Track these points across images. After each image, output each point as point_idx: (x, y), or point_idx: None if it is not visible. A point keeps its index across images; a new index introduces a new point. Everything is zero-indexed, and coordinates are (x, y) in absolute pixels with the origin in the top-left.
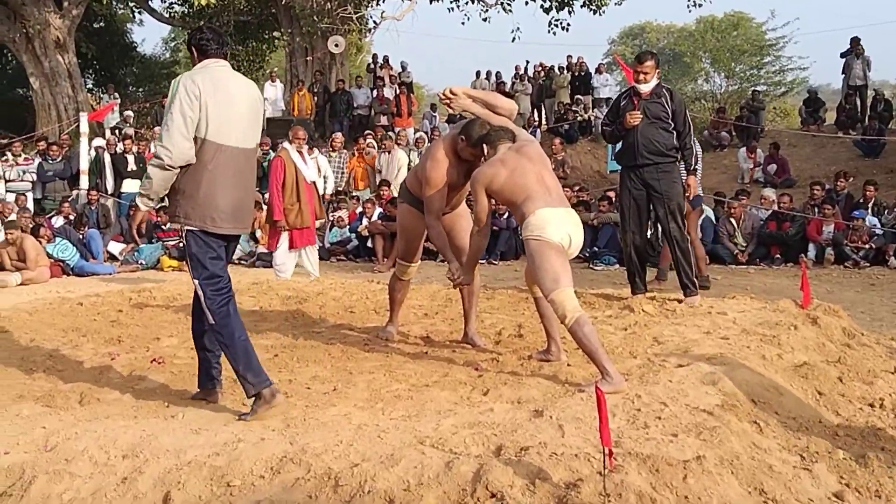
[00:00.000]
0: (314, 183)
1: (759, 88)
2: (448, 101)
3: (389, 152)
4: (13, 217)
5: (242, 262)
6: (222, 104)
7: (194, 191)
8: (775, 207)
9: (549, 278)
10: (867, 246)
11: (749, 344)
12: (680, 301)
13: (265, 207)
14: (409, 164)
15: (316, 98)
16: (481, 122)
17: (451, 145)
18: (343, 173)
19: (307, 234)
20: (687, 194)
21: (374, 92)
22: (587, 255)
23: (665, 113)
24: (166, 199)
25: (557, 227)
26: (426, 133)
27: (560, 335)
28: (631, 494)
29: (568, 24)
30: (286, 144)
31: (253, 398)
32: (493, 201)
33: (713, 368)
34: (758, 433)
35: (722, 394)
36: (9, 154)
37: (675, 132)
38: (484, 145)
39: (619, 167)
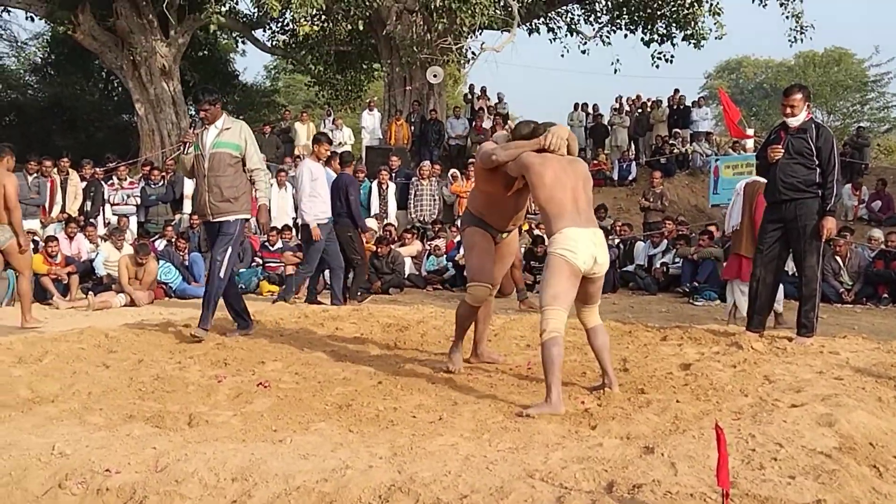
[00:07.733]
0: None
1: (862, 125)
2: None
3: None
4: (144, 241)
5: None
6: None
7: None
8: (883, 247)
9: (550, 293)
10: None
11: (864, 385)
12: (790, 339)
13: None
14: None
15: (413, 128)
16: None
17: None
18: (436, 201)
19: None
20: (820, 234)
21: (473, 122)
22: (687, 289)
23: (808, 149)
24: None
25: (583, 247)
26: None
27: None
28: None
29: (672, 56)
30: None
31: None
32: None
33: (828, 409)
34: (877, 477)
35: (839, 436)
36: (115, 178)
37: (818, 169)
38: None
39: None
